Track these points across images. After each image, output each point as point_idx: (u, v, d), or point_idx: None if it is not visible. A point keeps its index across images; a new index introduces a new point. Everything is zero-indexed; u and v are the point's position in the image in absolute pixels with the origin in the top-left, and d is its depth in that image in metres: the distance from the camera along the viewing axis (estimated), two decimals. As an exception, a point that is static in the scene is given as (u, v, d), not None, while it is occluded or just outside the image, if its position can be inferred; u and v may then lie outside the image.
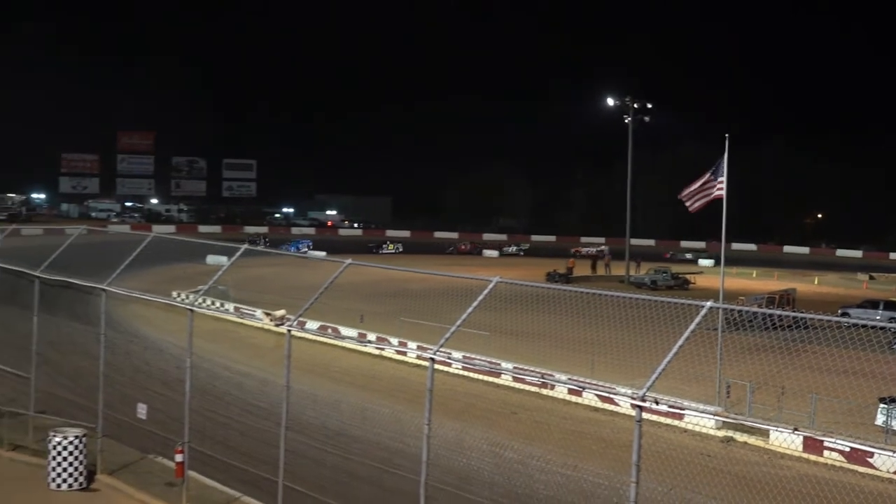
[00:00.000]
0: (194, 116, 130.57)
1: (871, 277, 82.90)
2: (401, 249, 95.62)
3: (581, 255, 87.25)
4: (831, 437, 25.65)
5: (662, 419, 21.66)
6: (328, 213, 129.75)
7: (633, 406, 12.28)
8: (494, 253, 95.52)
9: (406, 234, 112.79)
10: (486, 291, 15.48)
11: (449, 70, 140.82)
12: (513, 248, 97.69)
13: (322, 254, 61.24)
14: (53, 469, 19.67)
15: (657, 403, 12.92)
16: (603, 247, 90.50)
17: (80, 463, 19.77)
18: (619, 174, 75.38)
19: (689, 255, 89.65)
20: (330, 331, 34.69)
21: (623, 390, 14.80)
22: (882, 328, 35.66)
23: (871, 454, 24.42)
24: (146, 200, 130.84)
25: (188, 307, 21.21)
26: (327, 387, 26.18)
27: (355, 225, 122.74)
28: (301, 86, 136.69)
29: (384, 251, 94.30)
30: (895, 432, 27.47)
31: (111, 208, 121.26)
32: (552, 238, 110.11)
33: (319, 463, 19.94)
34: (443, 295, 22.47)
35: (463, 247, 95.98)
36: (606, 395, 25.34)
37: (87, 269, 24.76)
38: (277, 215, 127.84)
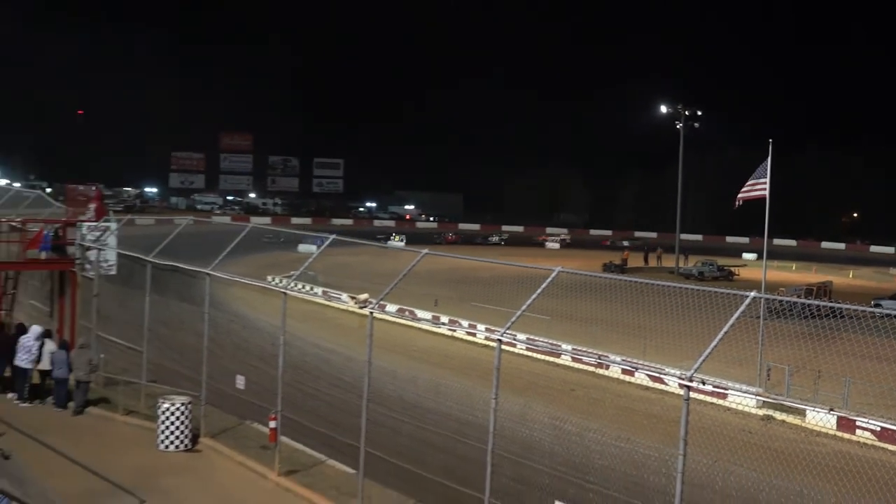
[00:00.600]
0: (289, 118, 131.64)
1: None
2: (504, 240, 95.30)
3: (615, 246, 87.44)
4: (864, 417, 25.39)
5: (708, 398, 21.58)
6: (406, 207, 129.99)
7: (682, 386, 12.33)
8: (556, 245, 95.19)
9: (476, 226, 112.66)
10: (548, 280, 15.57)
11: (508, 73, 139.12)
12: (495, 238, 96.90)
13: (400, 244, 61.62)
14: (162, 432, 20.08)
15: (703, 384, 12.95)
16: (625, 242, 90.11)
17: (186, 427, 20.17)
18: (669, 174, 74.55)
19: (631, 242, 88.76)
20: (407, 313, 34.89)
21: (672, 371, 14.82)
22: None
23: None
24: (245, 195, 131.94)
25: (282, 290, 21.51)
26: (405, 364, 26.38)
27: (431, 219, 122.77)
28: (384, 91, 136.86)
29: (490, 241, 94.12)
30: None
31: (214, 201, 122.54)
32: (609, 232, 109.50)
33: (396, 432, 20.14)
34: (509, 282, 22.51)
35: (450, 237, 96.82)
36: (657, 375, 25.29)
37: (193, 256, 25.16)
38: (361, 209, 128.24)
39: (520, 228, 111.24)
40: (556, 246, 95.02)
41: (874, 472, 20.46)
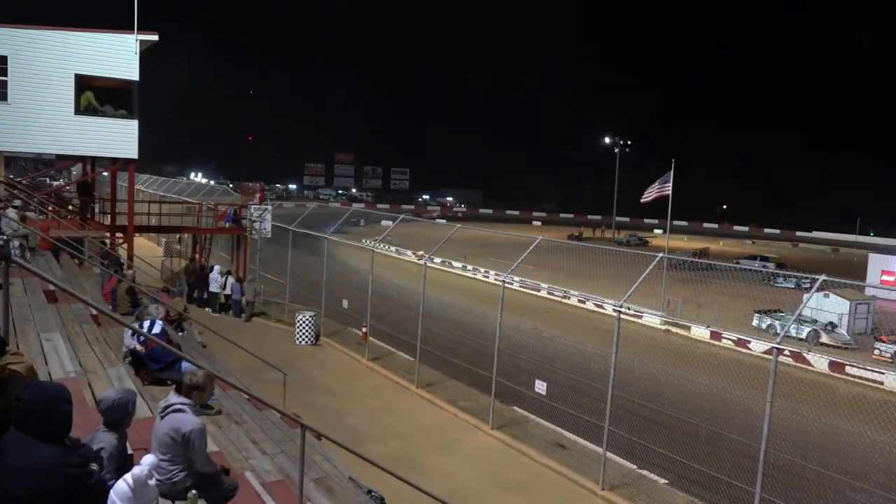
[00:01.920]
0: (377, 140, 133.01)
1: (753, 242, 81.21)
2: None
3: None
4: (727, 331, 25.18)
5: (631, 318, 21.48)
6: (447, 199, 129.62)
7: (615, 310, 12.30)
8: (539, 223, 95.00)
9: (489, 211, 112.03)
10: (534, 245, 15.53)
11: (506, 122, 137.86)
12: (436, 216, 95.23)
13: (443, 221, 61.53)
14: (297, 333, 20.31)
15: (629, 309, 12.91)
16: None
17: (312, 330, 20.37)
18: (611, 179, 74.37)
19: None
20: (447, 264, 35.03)
21: (609, 301, 14.75)
22: (758, 271, 34.78)
23: (749, 341, 23.97)
24: (349, 189, 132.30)
25: (371, 249, 21.60)
26: (446, 294, 26.44)
27: (461, 205, 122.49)
28: (436, 110, 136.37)
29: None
30: (763, 330, 26.91)
31: (330, 193, 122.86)
32: (571, 216, 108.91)
33: (439, 335, 20.18)
34: (511, 246, 22.46)
35: (447, 204, 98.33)
36: (600, 303, 25.19)
37: (318, 226, 25.32)
38: (420, 200, 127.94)
39: (515, 212, 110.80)
40: (443, 221, 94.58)
41: (732, 364, 20.35)
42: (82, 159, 25.71)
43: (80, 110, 18.94)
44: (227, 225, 26.89)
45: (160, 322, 9.63)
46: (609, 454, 12.06)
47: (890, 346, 24.58)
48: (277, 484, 6.57)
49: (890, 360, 23.84)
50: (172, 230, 29.48)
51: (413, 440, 13.24)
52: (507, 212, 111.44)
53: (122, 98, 19.91)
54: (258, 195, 30.00)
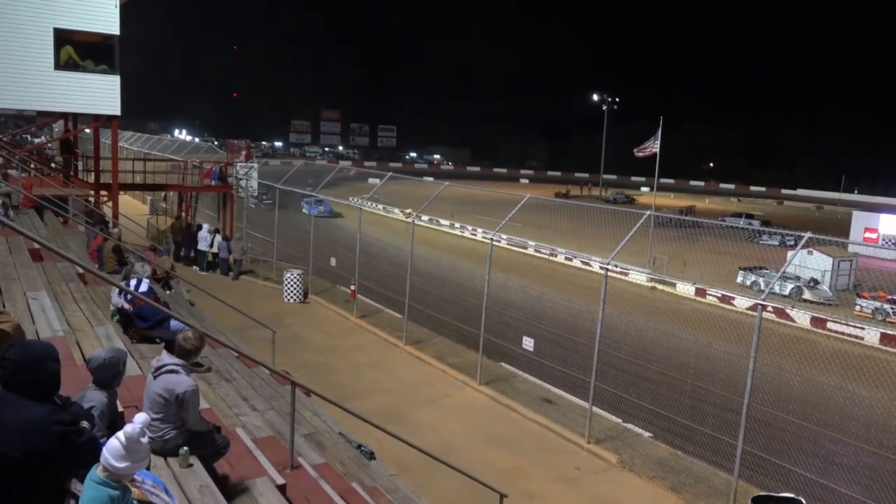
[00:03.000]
0: (364, 96, 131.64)
1: (739, 200, 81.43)
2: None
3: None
4: (712, 288, 25.43)
5: (618, 276, 21.61)
6: (434, 156, 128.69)
7: (602, 268, 12.34)
8: (526, 181, 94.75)
9: (477, 169, 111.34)
10: (521, 203, 15.50)
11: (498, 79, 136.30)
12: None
13: (431, 179, 61.08)
14: (285, 291, 20.30)
15: (615, 267, 12.97)
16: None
17: (300, 288, 20.37)
18: (599, 137, 74.06)
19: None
20: (434, 221, 34.99)
21: (596, 258, 14.81)
22: (744, 228, 35.01)
23: (734, 298, 24.20)
24: (335, 147, 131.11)
25: (358, 206, 21.52)
26: (433, 252, 26.43)
27: (448, 163, 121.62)
28: (425, 82, 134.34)
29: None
30: (747, 287, 27.17)
31: (317, 151, 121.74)
32: (559, 173, 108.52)
33: (427, 293, 20.26)
34: (498, 204, 22.39)
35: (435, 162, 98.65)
36: (586, 261, 25.31)
37: (305, 184, 25.13)
38: (407, 157, 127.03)
39: (503, 170, 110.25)
40: (430, 179, 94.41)
41: (716, 321, 20.56)
42: (64, 116, 25.24)
43: (59, 65, 18.51)
44: (213, 183, 26.64)
45: (147, 281, 9.56)
46: (595, 409, 12.24)
47: (871, 302, 24.92)
48: (268, 440, 6.62)
49: (870, 316, 24.20)
50: (157, 188, 29.15)
51: (401, 396, 13.36)
52: (495, 169, 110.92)
53: (102, 53, 19.46)
54: (244, 153, 29.68)
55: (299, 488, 5.68)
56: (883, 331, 22.02)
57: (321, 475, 6.27)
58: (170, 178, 28.93)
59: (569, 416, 12.72)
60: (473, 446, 11.26)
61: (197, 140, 61.37)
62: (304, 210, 33.23)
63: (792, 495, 8.90)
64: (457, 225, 38.50)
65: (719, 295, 24.93)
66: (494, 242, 15.22)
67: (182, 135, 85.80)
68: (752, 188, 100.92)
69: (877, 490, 11.11)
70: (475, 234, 34.52)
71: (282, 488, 5.38)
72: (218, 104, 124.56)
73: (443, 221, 37.64)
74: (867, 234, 40.82)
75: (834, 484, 11.07)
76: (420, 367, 15.43)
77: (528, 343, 14.78)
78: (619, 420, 12.74)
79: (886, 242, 39.00)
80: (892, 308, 24.23)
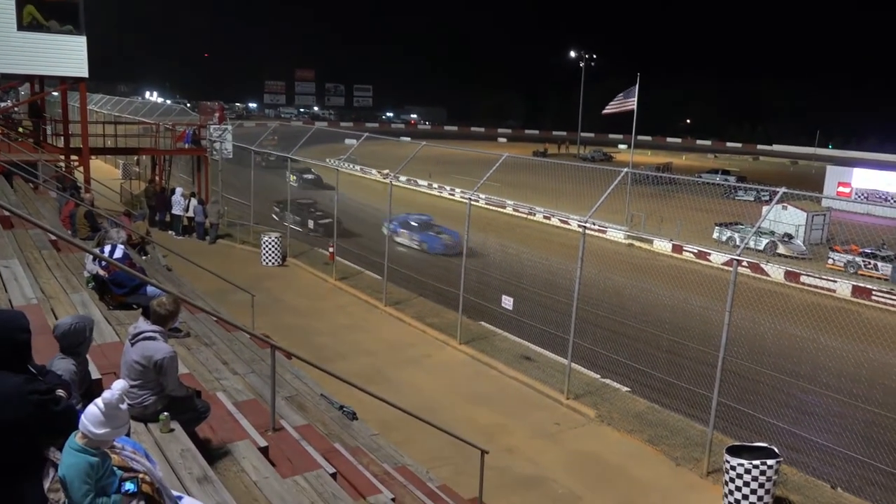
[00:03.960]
0: (339, 55, 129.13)
1: (715, 156, 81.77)
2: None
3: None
4: (688, 244, 25.66)
5: (596, 233, 21.72)
6: (411, 116, 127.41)
7: (580, 226, 12.39)
8: (504, 140, 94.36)
9: (454, 128, 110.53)
10: (499, 161, 15.44)
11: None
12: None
13: (407, 139, 60.65)
14: (264, 254, 20.17)
15: (593, 224, 13.02)
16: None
17: (278, 251, 20.25)
18: (576, 95, 73.59)
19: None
20: (412, 182, 34.78)
21: (574, 217, 14.85)
22: (720, 185, 35.26)
23: (710, 253, 24.46)
24: (310, 108, 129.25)
25: (336, 168, 21.32)
26: (412, 209, 26.34)
27: (426, 123, 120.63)
28: (401, 38, 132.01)
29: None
30: (723, 242, 27.47)
31: (292, 112, 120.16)
32: (536, 132, 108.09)
33: (406, 254, 20.24)
34: (476, 163, 22.26)
35: (412, 122, 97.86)
36: (565, 219, 25.37)
37: (281, 146, 24.84)
38: (383, 117, 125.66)
39: (480, 129, 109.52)
40: (407, 139, 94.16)
41: (692, 276, 20.82)
42: (30, 79, 24.57)
43: (23, 26, 17.96)
44: (187, 146, 26.20)
45: (122, 246, 9.43)
46: (574, 365, 12.40)
47: (843, 255, 25.33)
48: (250, 403, 6.63)
49: (843, 269, 24.62)
50: (130, 152, 28.63)
51: (382, 356, 13.43)
52: (472, 129, 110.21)
53: (67, 13, 18.87)
54: (217, 115, 29.15)
55: (281, 450, 5.72)
56: (854, 283, 22.44)
57: (303, 436, 6.30)
58: (142, 142, 28.39)
59: (548, 372, 12.89)
60: (455, 404, 11.39)
61: (169, 102, 60.16)
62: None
63: (765, 444, 9.12)
64: (434, 185, 38.36)
65: (695, 251, 25.18)
66: (472, 202, 15.19)
67: (153, 97, 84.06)
68: (729, 144, 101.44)
69: (847, 438, 11.44)
70: (453, 194, 34.43)
71: (264, 450, 5.41)
72: (189, 65, 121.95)
73: (420, 182, 37.42)
74: (841, 189, 41.32)
75: (805, 433, 11.38)
76: (400, 328, 15.50)
77: (507, 302, 14.89)
78: (598, 376, 12.94)
79: (859, 196, 39.56)
80: (864, 261, 24.67)
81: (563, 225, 27.93)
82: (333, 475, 5.59)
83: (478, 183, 15.29)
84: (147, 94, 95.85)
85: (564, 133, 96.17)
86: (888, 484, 10.04)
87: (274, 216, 26.04)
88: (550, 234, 27.51)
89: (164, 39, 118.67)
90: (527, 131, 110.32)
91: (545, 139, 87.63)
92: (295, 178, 30.96)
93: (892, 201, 38.59)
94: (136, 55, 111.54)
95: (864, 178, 41.94)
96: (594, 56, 73.34)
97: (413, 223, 24.66)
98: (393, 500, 5.98)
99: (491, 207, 30.65)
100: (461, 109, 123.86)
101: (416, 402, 10.15)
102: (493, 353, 13.92)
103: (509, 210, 31.60)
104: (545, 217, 30.36)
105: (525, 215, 31.22)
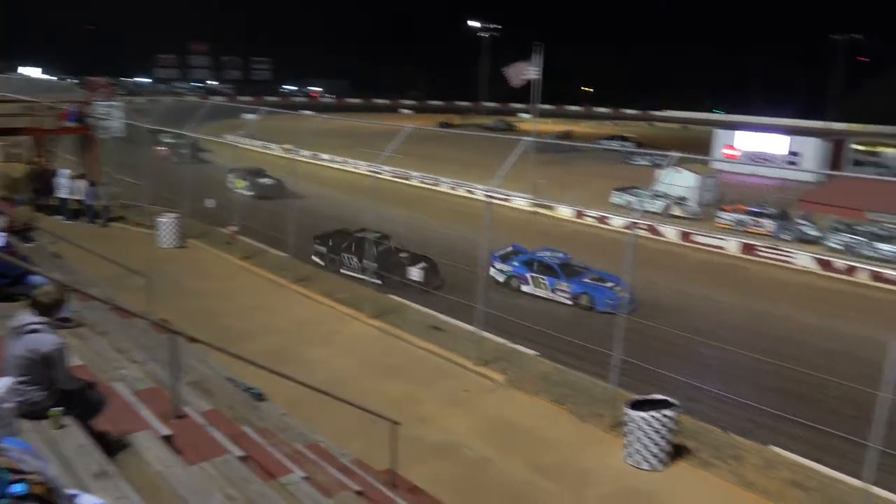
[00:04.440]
0: (234, 27, 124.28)
1: (615, 124, 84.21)
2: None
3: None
4: (589, 209, 26.45)
5: (501, 202, 22.02)
6: (313, 88, 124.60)
7: (485, 195, 12.53)
8: (409, 111, 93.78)
9: (357, 101, 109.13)
10: (402, 134, 15.36)
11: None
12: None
13: (310, 112, 59.42)
14: (161, 236, 19.44)
15: (498, 194, 13.20)
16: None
17: (176, 232, 19.54)
18: (480, 66, 74.06)
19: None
20: (316, 156, 34.18)
21: (479, 186, 14.99)
22: (617, 150, 36.45)
23: (609, 218, 25.30)
24: (205, 82, 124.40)
25: (233, 143, 20.66)
26: (317, 188, 25.94)
27: (329, 96, 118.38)
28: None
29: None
30: (621, 206, 28.43)
31: (185, 87, 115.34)
32: (441, 103, 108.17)
33: (313, 229, 19.86)
34: (380, 136, 22.02)
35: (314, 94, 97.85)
36: (470, 189, 25.62)
37: (176, 122, 23.84)
38: (284, 90, 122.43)
39: (386, 101, 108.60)
40: (309, 112, 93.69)
41: (592, 238, 21.54)
42: None
43: None
44: (71, 124, 24.72)
45: (2, 234, 8.88)
46: (484, 333, 12.63)
47: (731, 214, 26.74)
48: (150, 391, 6.41)
49: (731, 228, 26.01)
50: (7, 133, 26.75)
51: (290, 335, 13.24)
52: (376, 100, 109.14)
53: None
54: (104, 90, 27.62)
55: (186, 437, 5.57)
56: (742, 241, 23.77)
57: (209, 422, 6.16)
58: (23, 122, 26.55)
59: (459, 341, 13.05)
60: (365, 378, 11.39)
61: (54, 79, 56.53)
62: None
63: (664, 397, 9.55)
64: (338, 159, 37.84)
65: (596, 216, 25.99)
66: (377, 175, 15.08)
67: (35, 73, 78.72)
68: (626, 111, 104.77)
69: (742, 386, 12.22)
70: (358, 168, 34.11)
71: (167, 439, 5.25)
72: (73, 39, 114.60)
73: (323, 156, 36.84)
74: (726, 151, 43.46)
75: (704, 385, 12.06)
76: (308, 305, 15.30)
77: (415, 273, 14.93)
78: (506, 341, 13.22)
79: (747, 159, 41.78)
80: (751, 219, 26.13)
81: (468, 195, 28.21)
82: (243, 458, 5.51)
83: (382, 155, 15.18)
84: (25, 69, 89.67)
85: (469, 104, 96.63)
86: (774, 426, 10.80)
87: (315, 258, 19.27)
88: (456, 205, 27.73)
89: (43, 10, 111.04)
90: (431, 102, 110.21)
91: (449, 110, 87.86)
92: (246, 184, 27.08)
93: (773, 162, 41.00)
94: (13, 29, 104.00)
95: (745, 140, 44.29)
96: (497, 27, 73.84)
97: (549, 264, 17.74)
98: (305, 478, 5.94)
99: (397, 180, 30.58)
100: (365, 82, 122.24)
101: (326, 379, 10.09)
102: (404, 325, 13.98)
103: (415, 182, 31.63)
104: (451, 188, 30.57)
105: (431, 186, 31.33)
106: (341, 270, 17.95)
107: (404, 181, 30.61)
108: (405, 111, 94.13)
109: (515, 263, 18.03)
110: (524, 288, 17.66)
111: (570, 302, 16.84)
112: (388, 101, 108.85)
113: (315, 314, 14.74)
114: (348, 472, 6.89)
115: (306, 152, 29.20)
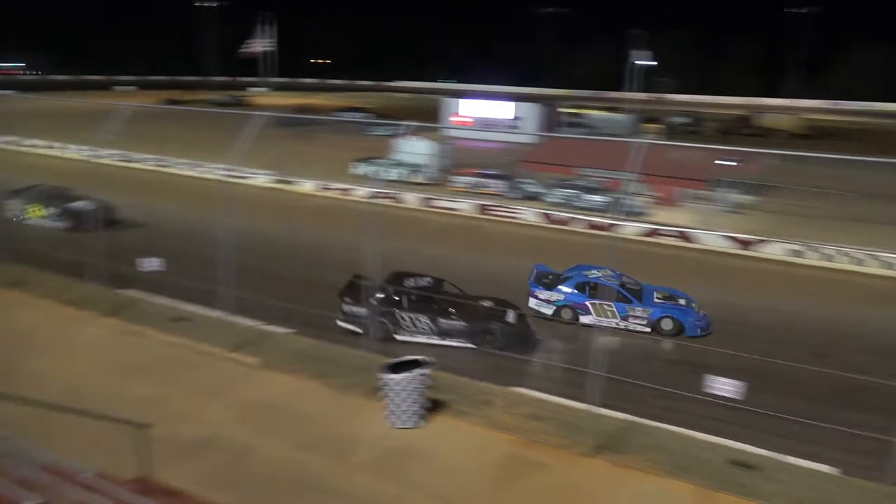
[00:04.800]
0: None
1: (351, 97, 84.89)
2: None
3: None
4: (331, 182, 26.51)
5: (237, 180, 21.16)
6: (14, 64, 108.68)
7: (228, 176, 11.98)
8: (130, 88, 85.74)
9: (69, 77, 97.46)
10: (120, 113, 14.07)
11: None
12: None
13: (11, 92, 51.96)
14: None
15: (233, 171, 12.69)
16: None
17: None
18: (203, 39, 69.91)
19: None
20: (19, 143, 30.10)
21: (216, 166, 14.29)
22: (356, 122, 36.84)
23: (353, 189, 25.51)
24: None
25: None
26: (25, 177, 22.83)
27: (35, 73, 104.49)
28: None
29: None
30: (363, 176, 28.86)
31: None
32: (163, 78, 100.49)
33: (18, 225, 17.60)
34: (96, 116, 19.89)
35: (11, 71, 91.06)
36: (200, 168, 24.25)
37: None
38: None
39: (100, 77, 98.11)
40: (9, 92, 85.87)
41: (339, 211, 21.62)
42: None
43: None
44: None
45: None
46: (234, 318, 12.17)
47: (463, 178, 28.45)
48: None
49: (466, 190, 27.68)
50: None
51: (12, 346, 11.67)
52: (91, 77, 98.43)
53: None
54: None
55: None
56: (476, 202, 25.44)
57: None
58: None
59: (207, 330, 12.44)
60: (107, 383, 10.44)
61: None
62: None
63: (416, 357, 9.98)
64: (41, 143, 33.63)
65: (341, 188, 26.14)
66: (95, 160, 13.70)
67: None
68: (361, 82, 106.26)
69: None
70: (80, 152, 30.63)
71: None
72: None
73: (34, 142, 32.57)
74: (453, 118, 46.06)
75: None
76: (29, 311, 13.54)
77: (149, 263, 13.84)
78: (260, 323, 12.88)
79: (481, 125, 44.76)
80: (482, 181, 28.02)
81: (202, 175, 26.75)
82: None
83: (98, 138, 13.78)
84: None
85: (195, 79, 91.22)
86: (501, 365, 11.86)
87: (341, 322, 13.85)
88: (190, 186, 26.16)
89: None
90: (153, 78, 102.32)
91: (173, 85, 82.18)
92: (47, 213, 19.37)
93: (500, 127, 44.33)
94: None
95: (469, 108, 47.32)
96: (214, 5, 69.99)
97: (610, 287, 14.46)
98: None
99: (121, 164, 28.03)
100: (77, 56, 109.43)
101: (60, 390, 9.12)
102: (144, 319, 12.97)
103: (145, 165, 29.30)
104: (183, 168, 28.79)
105: (160, 168, 29.22)
106: (396, 336, 13.50)
107: (129, 164, 28.22)
108: (126, 88, 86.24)
109: (566, 290, 14.84)
110: (584, 319, 14.49)
111: (647, 329, 14.26)
112: (106, 77, 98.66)
113: (38, 320, 13.10)
114: (91, 489, 6.31)
115: (8, 137, 25.54)
